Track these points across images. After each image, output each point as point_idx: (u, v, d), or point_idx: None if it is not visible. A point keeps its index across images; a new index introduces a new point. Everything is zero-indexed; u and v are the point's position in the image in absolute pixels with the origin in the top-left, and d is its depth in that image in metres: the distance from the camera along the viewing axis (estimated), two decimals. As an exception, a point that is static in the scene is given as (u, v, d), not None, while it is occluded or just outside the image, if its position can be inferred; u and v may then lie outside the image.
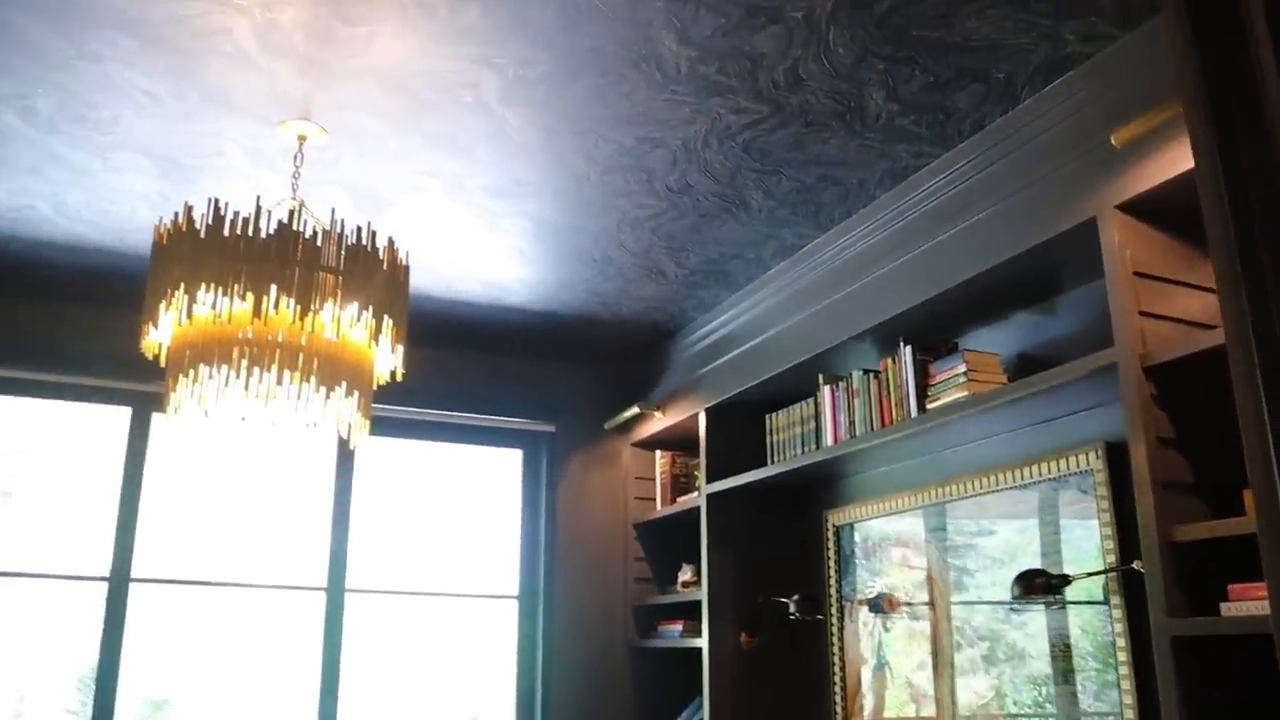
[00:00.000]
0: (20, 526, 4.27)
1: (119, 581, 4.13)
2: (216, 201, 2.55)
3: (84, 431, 4.41)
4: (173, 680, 4.34)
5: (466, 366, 4.83)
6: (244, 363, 2.51)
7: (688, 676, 4.31)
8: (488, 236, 3.58)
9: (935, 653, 3.42)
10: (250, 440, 4.49)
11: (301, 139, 2.90)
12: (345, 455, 4.60)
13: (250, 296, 2.47)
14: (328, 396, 2.62)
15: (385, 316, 2.69)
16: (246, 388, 2.53)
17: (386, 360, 2.83)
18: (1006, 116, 2.71)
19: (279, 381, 2.53)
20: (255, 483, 4.55)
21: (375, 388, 2.83)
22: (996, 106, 2.68)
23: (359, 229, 2.66)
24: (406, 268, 2.80)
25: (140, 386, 4.13)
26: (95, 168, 3.13)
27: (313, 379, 2.57)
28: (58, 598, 4.21)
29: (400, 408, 4.56)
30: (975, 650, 3.25)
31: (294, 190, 2.88)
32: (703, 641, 4.06)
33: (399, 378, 2.88)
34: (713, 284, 3.97)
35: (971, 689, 3.23)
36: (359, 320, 2.64)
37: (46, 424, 4.39)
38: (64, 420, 4.40)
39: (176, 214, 2.58)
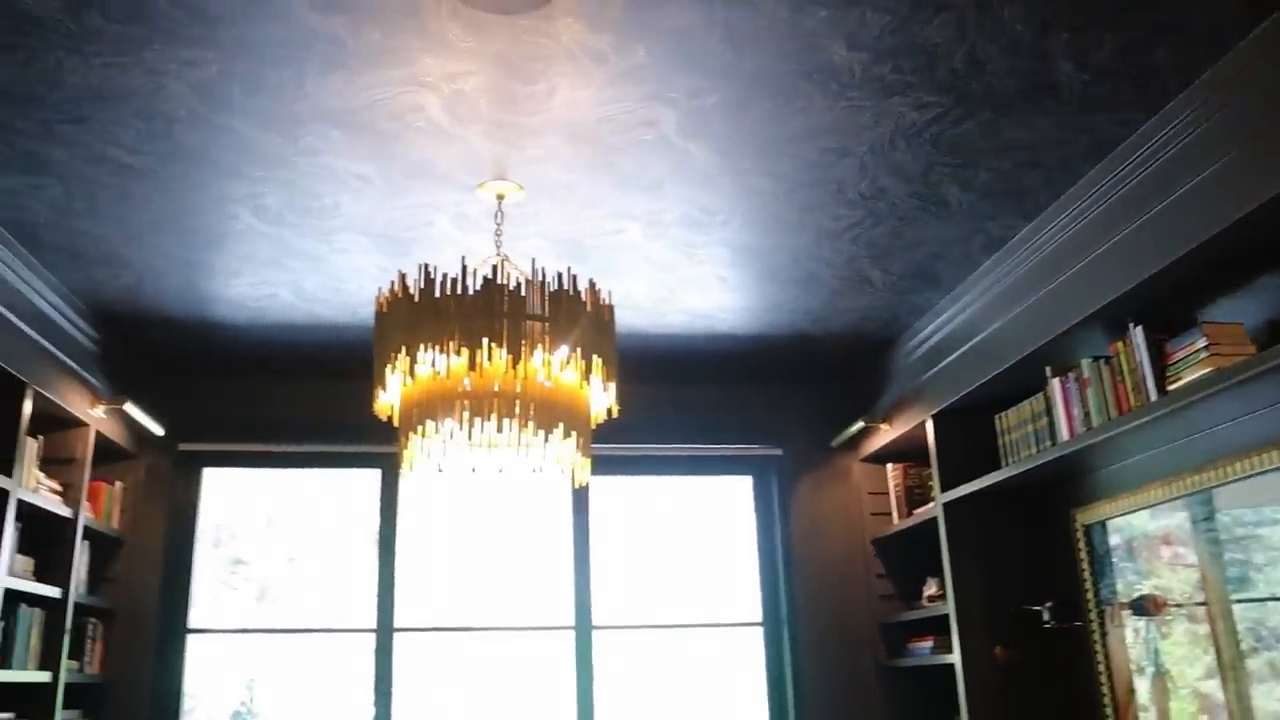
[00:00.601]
0: (305, 588, 4.68)
1: (384, 632, 4.42)
2: (426, 267, 2.71)
3: (345, 494, 4.78)
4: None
5: (687, 398, 4.89)
6: (465, 415, 2.65)
7: (943, 695, 4.14)
8: (688, 268, 3.63)
9: (1218, 657, 3.13)
10: (491, 489, 4.71)
11: (500, 198, 3.05)
12: (580, 496, 4.76)
13: (464, 351, 2.61)
14: (546, 439, 2.73)
15: (594, 356, 2.77)
16: (470, 439, 2.67)
17: (601, 399, 2.91)
18: (1216, 67, 2.50)
19: (499, 429, 2.66)
20: (501, 528, 4.77)
21: (594, 427, 2.92)
22: (1203, 58, 2.48)
23: (559, 275, 2.76)
24: (610, 307, 2.88)
25: (386, 449, 4.41)
26: (324, 252, 3.41)
27: (530, 424, 2.68)
28: (341, 651, 4.57)
29: (626, 445, 4.67)
30: (1276, 653, 2.93)
31: (498, 247, 3.03)
32: (955, 657, 3.90)
33: (614, 414, 2.96)
34: (922, 287, 3.86)
35: (1276, 698, 2.91)
36: (569, 363, 2.73)
37: (315, 491, 4.80)
38: (328, 486, 4.79)
39: (392, 283, 2.77)
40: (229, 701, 4.84)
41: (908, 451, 4.58)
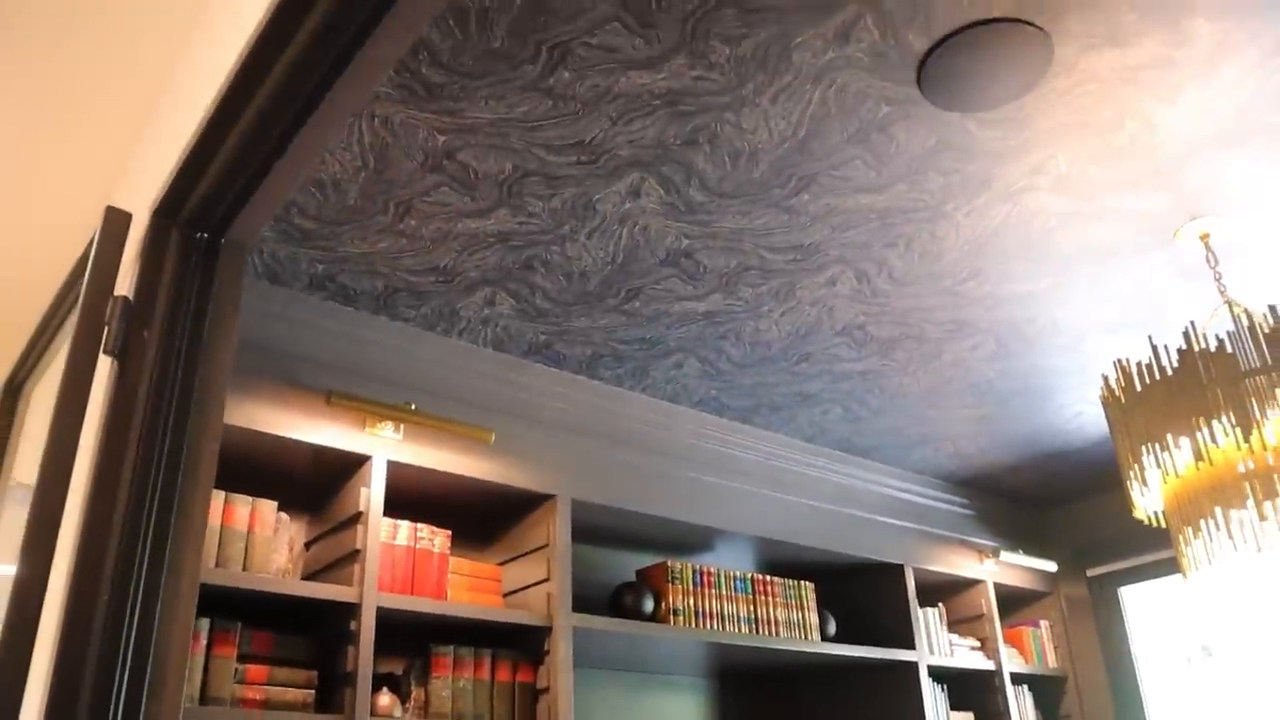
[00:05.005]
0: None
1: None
2: (1118, 362, 2.46)
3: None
4: None
5: None
6: (1219, 511, 2.26)
7: None
8: None
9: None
10: None
11: (1205, 238, 2.63)
12: None
13: (1182, 441, 2.26)
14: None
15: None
16: (1231, 536, 2.25)
17: None
18: None
19: (1261, 516, 2.20)
20: None
21: None
22: None
23: (1272, 309, 2.25)
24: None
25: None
26: (1079, 364, 3.26)
27: (1307, 498, 2.17)
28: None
29: None
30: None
31: (1222, 293, 2.58)
32: None
33: None
34: None
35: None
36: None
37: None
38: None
39: (1100, 389, 2.54)
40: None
41: None
